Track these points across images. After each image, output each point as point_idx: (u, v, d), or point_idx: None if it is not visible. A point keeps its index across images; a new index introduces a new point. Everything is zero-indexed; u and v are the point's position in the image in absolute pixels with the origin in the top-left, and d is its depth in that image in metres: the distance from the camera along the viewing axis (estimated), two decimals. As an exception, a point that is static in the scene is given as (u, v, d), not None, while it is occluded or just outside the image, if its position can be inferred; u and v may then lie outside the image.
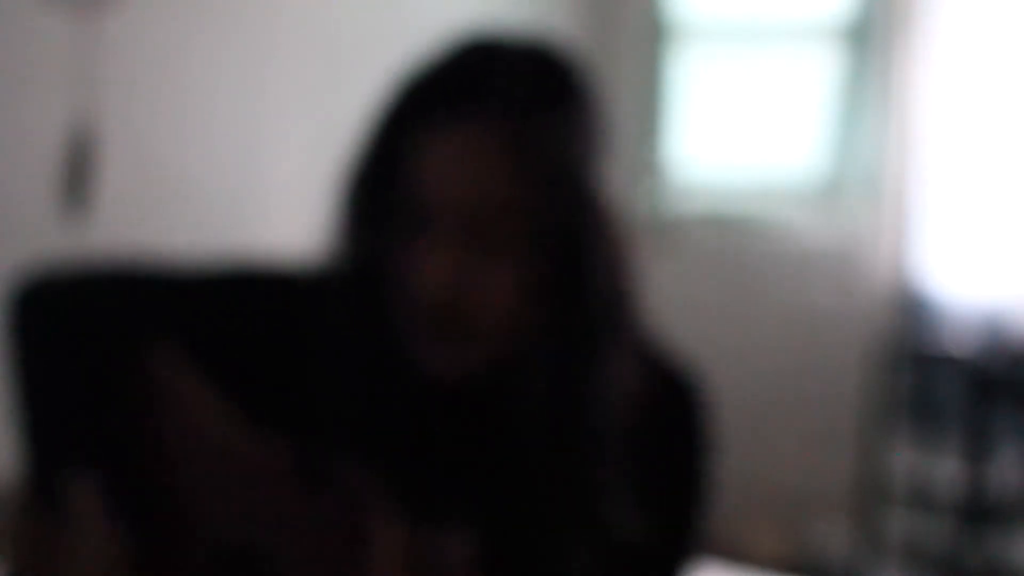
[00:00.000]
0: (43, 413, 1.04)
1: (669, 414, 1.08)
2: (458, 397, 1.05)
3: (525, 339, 1.02)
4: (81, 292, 1.08)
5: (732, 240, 3.97)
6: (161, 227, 2.70)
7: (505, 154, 0.98)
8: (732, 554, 3.42)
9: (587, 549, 1.02)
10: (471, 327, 1.00)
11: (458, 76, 1.01)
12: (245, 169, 3.06)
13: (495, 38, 1.03)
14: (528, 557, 1.03)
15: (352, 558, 0.98)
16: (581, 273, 1.00)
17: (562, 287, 1.00)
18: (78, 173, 2.53)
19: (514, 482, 1.03)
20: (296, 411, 1.03)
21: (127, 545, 1.00)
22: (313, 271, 1.10)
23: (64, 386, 1.04)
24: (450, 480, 1.05)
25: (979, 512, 3.39)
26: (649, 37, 4.05)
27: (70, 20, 2.48)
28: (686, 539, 1.09)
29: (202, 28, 2.87)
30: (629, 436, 1.04)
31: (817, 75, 3.91)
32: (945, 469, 3.49)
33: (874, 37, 3.78)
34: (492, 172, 0.98)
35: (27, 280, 1.07)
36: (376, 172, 1.03)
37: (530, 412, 1.02)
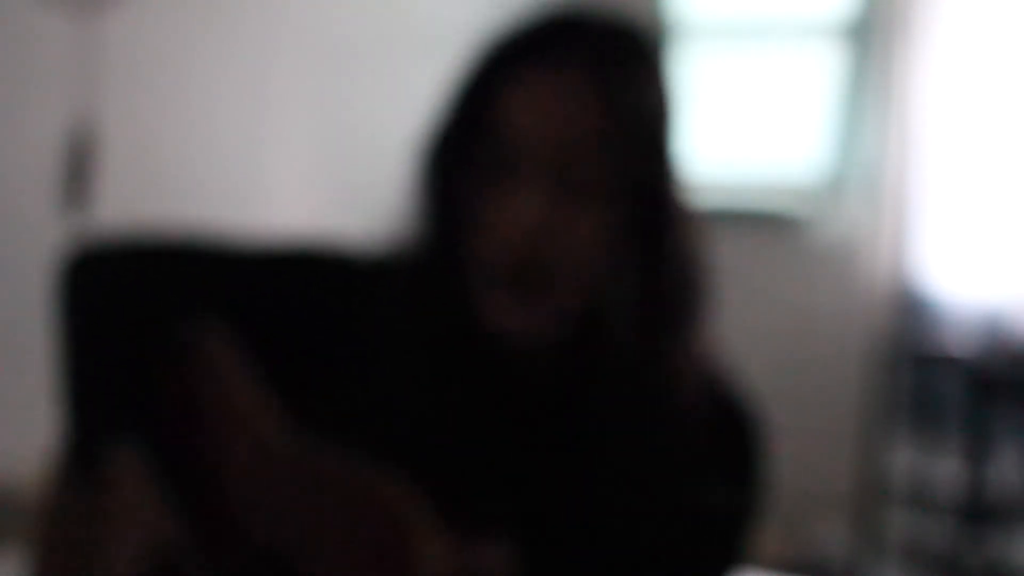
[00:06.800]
0: (87, 382, 1.02)
1: (722, 440, 1.05)
2: (529, 372, 1.01)
3: (602, 300, 0.99)
4: (131, 263, 1.05)
5: (732, 237, 3.96)
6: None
7: (595, 96, 0.97)
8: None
9: (667, 531, 1.00)
10: (550, 276, 0.97)
11: (547, 32, 1.01)
12: (246, 168, 3.06)
13: (583, 8, 1.03)
14: (579, 557, 1.00)
15: (391, 569, 0.95)
16: (660, 232, 0.99)
17: (641, 245, 0.98)
18: (79, 172, 2.53)
19: (586, 464, 1.00)
20: (340, 400, 1.01)
21: (172, 512, 0.97)
22: (374, 256, 1.07)
23: (109, 356, 1.01)
24: (501, 481, 1.01)
25: (979, 512, 3.39)
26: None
27: (70, 20, 2.48)
28: (728, 560, 1.06)
29: (202, 27, 2.87)
30: (690, 440, 1.01)
31: (818, 73, 3.91)
32: (945, 469, 3.49)
33: (874, 36, 3.78)
34: (582, 112, 0.97)
35: (78, 248, 1.05)
36: (460, 129, 1.01)
37: (606, 379, 0.99)
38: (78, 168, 2.52)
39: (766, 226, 3.91)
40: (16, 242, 2.48)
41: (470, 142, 1.00)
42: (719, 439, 1.04)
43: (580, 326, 1.00)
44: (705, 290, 1.02)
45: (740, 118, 4.02)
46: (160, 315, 1.02)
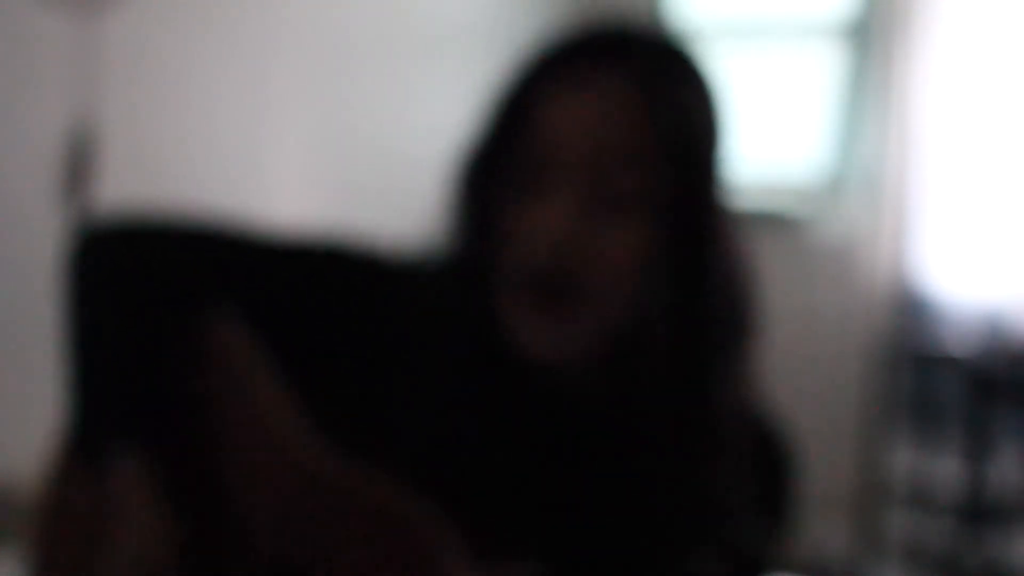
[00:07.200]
0: (96, 371, 0.98)
1: (760, 472, 1.02)
2: (560, 390, 0.97)
3: (639, 318, 0.95)
4: (148, 244, 1.00)
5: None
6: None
7: (634, 107, 0.95)
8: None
9: (711, 564, 0.97)
10: (579, 289, 0.93)
11: (588, 45, 0.98)
12: (246, 168, 3.06)
13: (625, 23, 1.02)
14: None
15: None
16: (702, 250, 0.95)
17: (681, 262, 0.95)
18: (79, 172, 2.53)
19: (618, 489, 0.96)
20: (362, 408, 0.98)
21: (174, 521, 0.94)
22: (406, 259, 1.04)
23: (120, 343, 0.97)
24: (530, 504, 0.97)
25: (979, 512, 3.39)
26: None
27: (70, 20, 2.48)
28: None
29: (202, 27, 2.87)
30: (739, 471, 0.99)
31: (818, 73, 3.91)
32: (945, 469, 3.49)
33: (874, 36, 3.78)
34: (620, 123, 0.94)
35: (89, 227, 1.01)
36: (498, 140, 0.98)
37: (642, 402, 0.95)
38: (78, 168, 2.52)
39: (766, 226, 3.91)
40: (16, 242, 2.48)
41: (507, 153, 0.97)
42: (756, 471, 1.02)
43: (616, 345, 0.96)
44: (751, 311, 0.98)
45: (740, 118, 4.02)
46: (177, 302, 0.98)
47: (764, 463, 1.04)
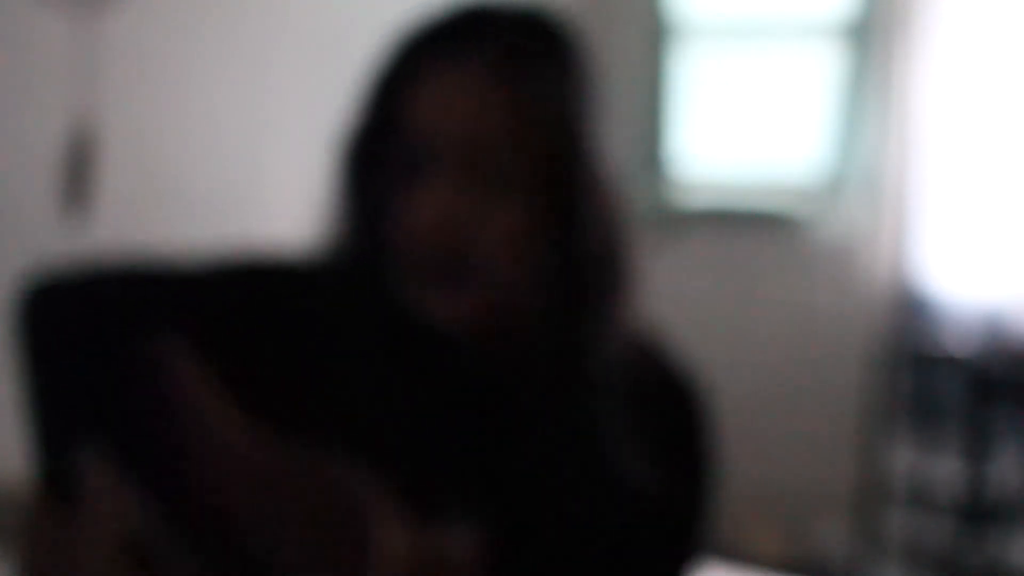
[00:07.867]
0: (53, 411, 1.02)
1: (668, 413, 1.07)
2: (469, 358, 1.02)
3: (525, 288, 1.01)
4: (85, 290, 1.06)
5: (733, 237, 3.97)
6: (162, 226, 2.70)
7: (501, 89, 0.99)
8: (732, 554, 3.42)
9: (603, 508, 1.01)
10: (468, 267, 0.99)
11: (454, 27, 1.02)
12: (246, 168, 3.06)
13: (491, 3, 1.05)
14: (541, 538, 1.02)
15: (354, 558, 0.97)
16: (574, 216, 1.00)
17: (556, 230, 1.00)
18: (78, 173, 2.53)
19: (522, 443, 1.02)
20: (303, 403, 1.01)
21: (144, 530, 0.98)
22: (314, 259, 1.09)
23: (73, 384, 1.02)
24: (456, 465, 1.02)
25: (979, 512, 3.39)
26: (652, 34, 4.06)
27: (70, 20, 2.48)
28: (685, 543, 1.07)
29: (202, 28, 2.87)
30: (630, 417, 1.03)
31: (818, 73, 3.91)
32: (945, 469, 3.49)
33: (875, 35, 3.79)
34: (487, 106, 0.99)
35: (31, 281, 1.05)
36: (372, 129, 1.03)
37: (530, 364, 1.02)
38: (78, 168, 2.52)
39: (766, 226, 3.92)
40: (15, 243, 2.48)
41: (382, 139, 1.02)
42: (659, 413, 1.06)
43: (507, 312, 1.02)
44: (627, 267, 1.04)
45: (739, 118, 4.03)
46: (121, 336, 1.02)
47: (666, 405, 1.07)
